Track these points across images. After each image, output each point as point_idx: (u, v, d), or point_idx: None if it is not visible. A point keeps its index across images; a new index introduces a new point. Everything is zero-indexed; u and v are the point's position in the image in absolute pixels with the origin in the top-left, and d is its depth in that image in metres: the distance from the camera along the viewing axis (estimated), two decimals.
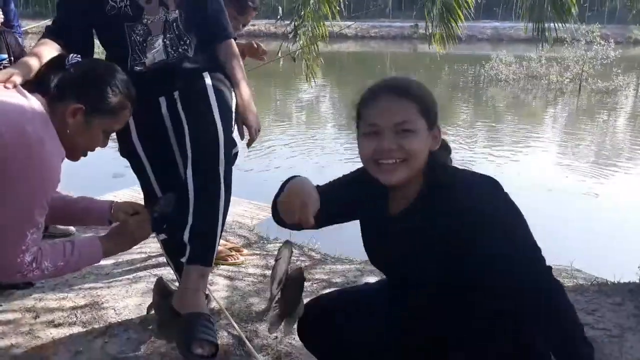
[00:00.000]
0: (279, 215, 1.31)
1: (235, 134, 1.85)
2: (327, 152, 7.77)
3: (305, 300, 1.50)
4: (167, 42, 1.78)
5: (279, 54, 4.83)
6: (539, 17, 3.73)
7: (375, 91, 1.23)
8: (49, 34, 1.74)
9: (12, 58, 2.66)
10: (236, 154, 1.82)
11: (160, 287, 1.80)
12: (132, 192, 4.40)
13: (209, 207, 1.68)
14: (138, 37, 1.75)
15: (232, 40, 1.93)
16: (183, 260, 1.70)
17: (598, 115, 11.47)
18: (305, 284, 2.54)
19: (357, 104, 1.26)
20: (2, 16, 3.17)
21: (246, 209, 4.49)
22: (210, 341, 1.59)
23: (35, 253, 1.32)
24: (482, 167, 6.73)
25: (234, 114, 1.84)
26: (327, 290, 2.49)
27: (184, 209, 1.67)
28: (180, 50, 1.80)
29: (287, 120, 10.21)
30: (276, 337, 1.96)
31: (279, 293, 1.43)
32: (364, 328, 1.36)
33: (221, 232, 1.77)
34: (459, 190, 1.17)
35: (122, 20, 1.74)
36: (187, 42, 1.82)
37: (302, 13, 4.54)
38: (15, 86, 1.39)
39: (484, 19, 36.92)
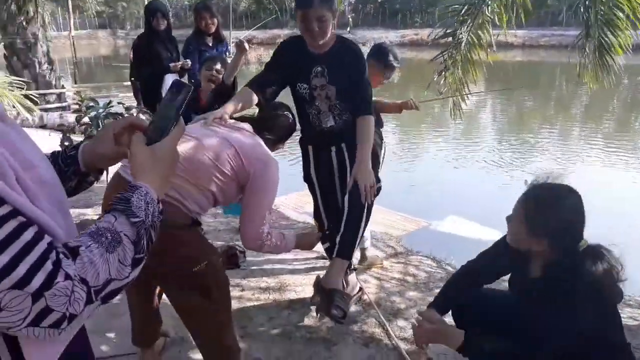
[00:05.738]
0: None
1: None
2: (488, 163, 7.66)
3: None
4: (336, 115, 2.52)
5: (425, 93, 5.09)
6: None
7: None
8: (251, 85, 2.38)
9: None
10: (379, 188, 2.59)
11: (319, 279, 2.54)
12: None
13: (355, 221, 2.43)
14: (314, 112, 2.53)
15: (370, 116, 2.40)
16: (333, 256, 2.46)
17: None
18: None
19: None
20: (189, 63, 4.25)
21: (395, 219, 5.08)
22: (342, 308, 2.30)
23: (268, 228, 2.07)
24: None
25: (381, 161, 2.54)
26: None
27: (339, 221, 2.45)
28: (344, 118, 2.52)
29: (444, 131, 10.06)
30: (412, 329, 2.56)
31: None
32: None
33: (360, 238, 2.49)
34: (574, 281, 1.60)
35: (303, 100, 2.52)
36: (349, 114, 2.51)
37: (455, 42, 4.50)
38: (226, 122, 2.06)
39: None
